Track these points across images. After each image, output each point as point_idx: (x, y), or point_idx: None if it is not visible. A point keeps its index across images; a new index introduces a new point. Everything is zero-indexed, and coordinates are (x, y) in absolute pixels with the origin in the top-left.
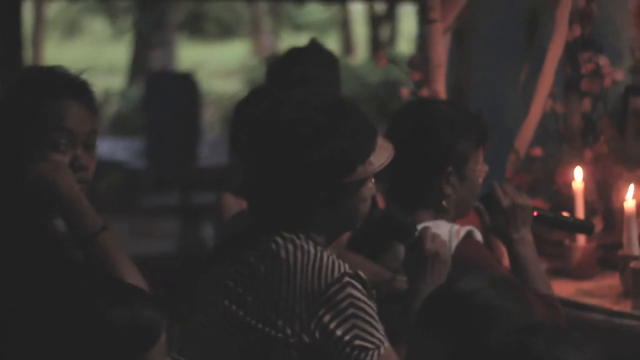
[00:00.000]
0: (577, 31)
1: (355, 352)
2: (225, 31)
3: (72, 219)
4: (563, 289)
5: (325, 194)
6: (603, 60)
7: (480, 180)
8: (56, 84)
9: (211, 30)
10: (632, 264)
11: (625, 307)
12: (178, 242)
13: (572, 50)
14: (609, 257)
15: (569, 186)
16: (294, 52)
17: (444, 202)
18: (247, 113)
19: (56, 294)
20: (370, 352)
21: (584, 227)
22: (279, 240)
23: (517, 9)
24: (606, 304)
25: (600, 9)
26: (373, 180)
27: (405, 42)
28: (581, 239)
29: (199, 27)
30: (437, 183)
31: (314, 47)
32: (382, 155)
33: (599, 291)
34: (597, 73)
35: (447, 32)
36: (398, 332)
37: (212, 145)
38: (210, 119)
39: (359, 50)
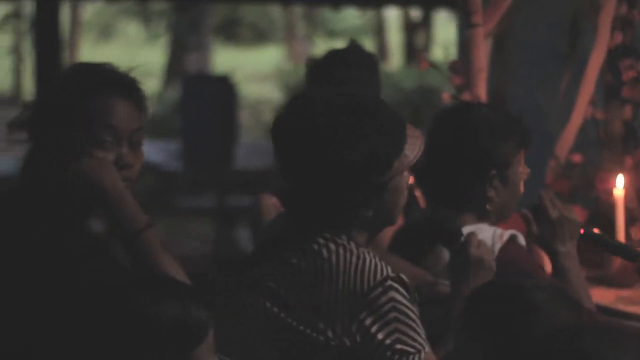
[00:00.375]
0: (618, 38)
1: (397, 356)
2: (260, 36)
3: (116, 215)
4: (603, 296)
5: (365, 194)
6: None
7: (522, 183)
8: (103, 81)
9: (246, 35)
10: None
11: None
12: (213, 245)
13: (613, 57)
14: None
15: (609, 193)
16: (334, 53)
17: (487, 206)
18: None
19: (103, 292)
20: (412, 357)
21: (629, 253)
22: (321, 241)
23: (558, 15)
24: None
25: None
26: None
27: (440, 49)
28: None
29: (233, 32)
30: (481, 187)
31: (354, 48)
32: (415, 145)
33: (638, 299)
34: (638, 80)
35: (488, 36)
36: (440, 336)
37: (248, 148)
38: (246, 122)
39: (394, 57)
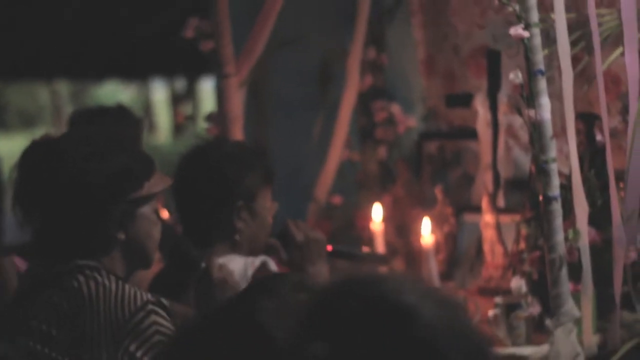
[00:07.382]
0: (369, 81)
1: None
2: (28, 121)
3: None
4: None
5: (117, 212)
6: (395, 108)
7: (271, 218)
8: None
9: (12, 121)
10: None
11: None
12: None
13: (365, 100)
14: None
15: (369, 230)
16: (97, 108)
17: (236, 237)
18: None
19: None
20: None
21: (377, 258)
22: (81, 277)
23: (309, 61)
24: None
25: (390, 59)
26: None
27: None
28: None
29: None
30: (229, 218)
31: (118, 106)
32: (162, 180)
33: None
34: (390, 121)
35: (242, 86)
36: None
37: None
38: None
39: (162, 130)
